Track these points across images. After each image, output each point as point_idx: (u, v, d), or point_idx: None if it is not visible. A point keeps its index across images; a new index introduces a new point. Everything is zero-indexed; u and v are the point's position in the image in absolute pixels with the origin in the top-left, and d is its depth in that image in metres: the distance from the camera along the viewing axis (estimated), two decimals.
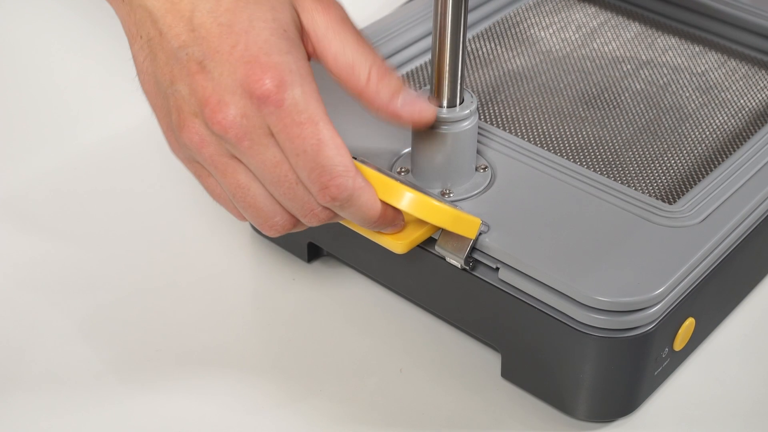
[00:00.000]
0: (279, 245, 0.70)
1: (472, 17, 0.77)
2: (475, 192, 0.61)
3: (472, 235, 0.57)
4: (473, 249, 0.58)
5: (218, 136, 0.52)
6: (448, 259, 0.59)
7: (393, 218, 0.56)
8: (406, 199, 0.54)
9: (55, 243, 0.71)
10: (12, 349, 0.64)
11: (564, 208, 0.59)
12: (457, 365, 0.63)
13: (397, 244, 0.57)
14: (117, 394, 0.62)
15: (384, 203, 0.55)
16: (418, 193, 0.55)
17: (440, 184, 0.61)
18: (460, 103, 0.59)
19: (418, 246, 0.59)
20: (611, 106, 0.70)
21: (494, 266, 0.58)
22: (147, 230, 0.72)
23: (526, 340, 0.58)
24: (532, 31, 0.77)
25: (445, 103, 0.59)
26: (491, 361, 0.63)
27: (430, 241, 0.60)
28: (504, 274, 0.57)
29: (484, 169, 0.62)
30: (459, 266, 0.58)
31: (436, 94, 0.59)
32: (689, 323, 0.59)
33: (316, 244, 0.68)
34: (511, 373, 0.61)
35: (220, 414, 0.60)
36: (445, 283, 0.61)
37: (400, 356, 0.64)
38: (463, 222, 0.57)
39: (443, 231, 0.58)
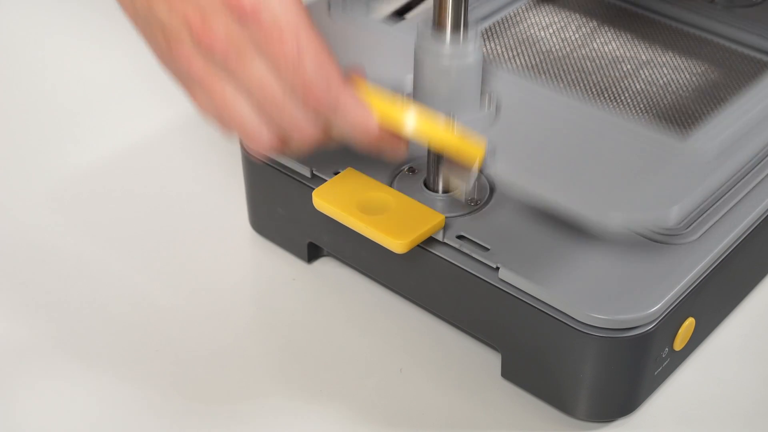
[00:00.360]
0: (279, 245, 0.70)
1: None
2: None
3: (478, 156, 0.55)
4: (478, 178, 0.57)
5: (205, 53, 0.53)
6: (452, 190, 0.58)
7: (392, 139, 0.55)
8: (410, 117, 0.53)
9: (54, 244, 0.71)
10: (11, 349, 0.64)
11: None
12: (457, 365, 0.63)
13: (397, 244, 0.57)
14: (117, 393, 0.62)
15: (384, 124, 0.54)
16: (421, 112, 0.53)
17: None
18: (464, 31, 0.57)
19: (418, 246, 0.60)
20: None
21: (494, 266, 0.58)
22: (146, 231, 0.72)
23: (526, 340, 0.58)
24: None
25: (448, 35, 0.57)
26: (491, 361, 0.63)
27: (430, 241, 0.60)
28: (504, 274, 0.57)
29: (489, 98, 0.60)
30: (463, 198, 0.57)
31: (438, 23, 0.57)
32: (689, 323, 0.59)
33: (316, 244, 0.68)
34: (511, 373, 0.61)
35: (219, 413, 0.60)
36: (445, 283, 0.61)
37: (400, 356, 0.64)
38: (467, 144, 0.55)
39: (446, 160, 0.57)
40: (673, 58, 0.75)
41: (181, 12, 0.52)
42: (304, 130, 0.54)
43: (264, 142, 0.55)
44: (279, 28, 0.51)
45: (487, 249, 0.58)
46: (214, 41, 0.52)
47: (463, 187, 0.56)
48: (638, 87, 0.72)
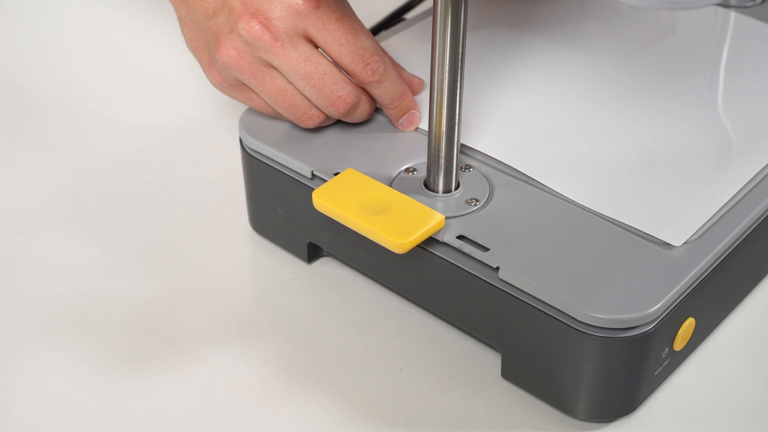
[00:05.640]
0: (279, 245, 0.70)
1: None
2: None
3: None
4: None
5: (252, 44, 0.61)
6: None
7: (413, 111, 0.67)
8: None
9: (53, 243, 0.71)
10: (10, 349, 0.64)
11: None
12: (457, 365, 0.63)
13: (397, 244, 0.57)
14: (116, 393, 0.62)
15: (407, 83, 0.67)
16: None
17: None
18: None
19: (418, 246, 0.60)
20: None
21: (494, 266, 0.58)
22: (146, 230, 0.72)
23: (526, 340, 0.58)
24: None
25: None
26: (491, 361, 0.63)
27: (430, 241, 0.60)
28: (504, 274, 0.57)
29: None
30: None
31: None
32: (689, 323, 0.59)
33: (316, 244, 0.68)
34: (511, 373, 0.61)
35: (219, 413, 0.60)
36: (445, 283, 0.61)
37: (400, 356, 0.64)
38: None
39: None
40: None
41: (237, 8, 0.61)
42: (342, 98, 0.63)
43: (314, 118, 0.65)
44: (334, 12, 0.62)
45: (487, 249, 0.59)
46: (260, 30, 0.61)
47: None
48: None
